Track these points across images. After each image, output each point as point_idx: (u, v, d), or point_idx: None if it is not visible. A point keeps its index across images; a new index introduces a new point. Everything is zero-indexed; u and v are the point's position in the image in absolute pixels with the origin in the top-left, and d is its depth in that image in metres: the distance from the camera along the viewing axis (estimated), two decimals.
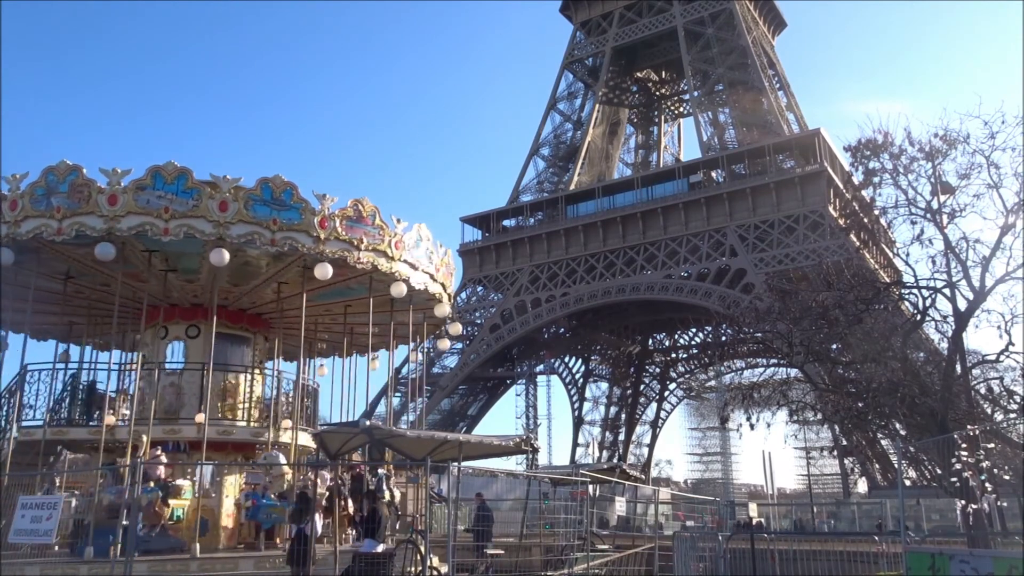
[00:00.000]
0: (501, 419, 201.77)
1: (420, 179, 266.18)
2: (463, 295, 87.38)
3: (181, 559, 14.01)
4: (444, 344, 23.72)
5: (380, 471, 16.82)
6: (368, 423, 14.55)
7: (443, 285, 18.58)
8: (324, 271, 15.10)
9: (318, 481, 15.62)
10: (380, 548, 13.69)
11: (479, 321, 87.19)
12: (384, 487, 16.34)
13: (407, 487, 19.07)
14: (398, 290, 16.59)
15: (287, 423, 17.46)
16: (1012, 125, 16.44)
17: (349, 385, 20.97)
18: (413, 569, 13.60)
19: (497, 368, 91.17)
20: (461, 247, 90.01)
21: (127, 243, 14.61)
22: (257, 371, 18.80)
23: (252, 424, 17.79)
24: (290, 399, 18.30)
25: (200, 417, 15.99)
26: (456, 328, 21.20)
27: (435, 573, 13.60)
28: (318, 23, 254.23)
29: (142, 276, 16.22)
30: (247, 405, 17.95)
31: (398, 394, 60.57)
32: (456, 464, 14.85)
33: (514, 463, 64.90)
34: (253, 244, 14.55)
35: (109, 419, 16.00)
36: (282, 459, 16.72)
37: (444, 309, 18.88)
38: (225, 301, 17.97)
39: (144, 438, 14.82)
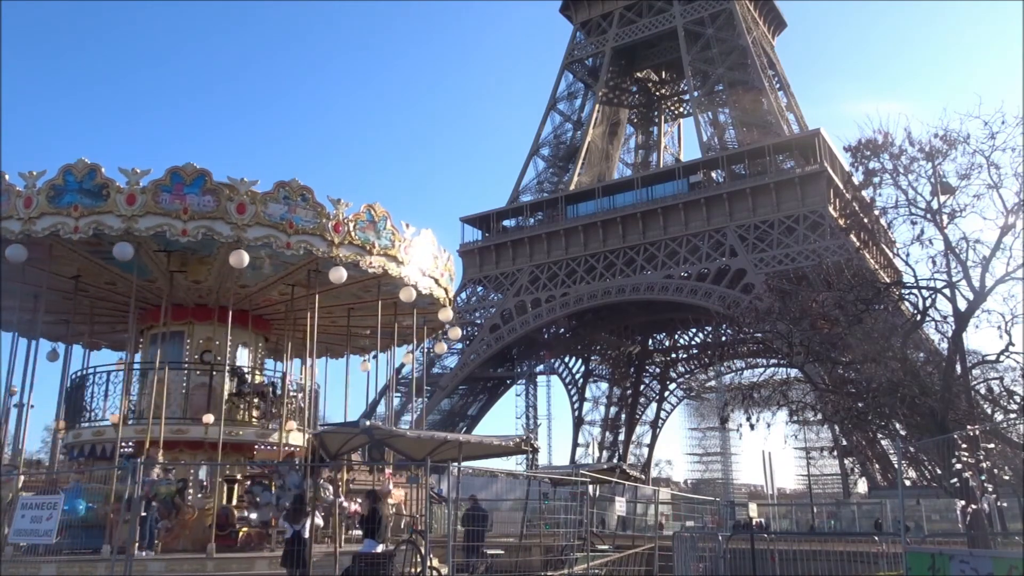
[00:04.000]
0: (501, 419, 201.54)
1: (420, 179, 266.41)
2: (463, 295, 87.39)
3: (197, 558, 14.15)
4: (441, 348, 23.24)
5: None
6: (368, 423, 14.54)
7: (410, 265, 17.07)
8: (240, 259, 14.57)
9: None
10: (380, 548, 13.69)
11: (479, 321, 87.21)
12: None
13: (407, 487, 19.07)
14: (337, 275, 15.55)
15: (291, 425, 17.42)
16: (1012, 125, 16.46)
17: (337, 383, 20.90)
18: (413, 569, 13.61)
19: (497, 368, 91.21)
20: (461, 247, 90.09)
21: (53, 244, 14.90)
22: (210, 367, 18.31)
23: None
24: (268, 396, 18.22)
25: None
26: (446, 313, 19.74)
27: (435, 573, 13.59)
28: (318, 23, 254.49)
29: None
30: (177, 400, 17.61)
31: (398, 394, 60.53)
32: (456, 464, 14.85)
33: (514, 463, 65.01)
34: (163, 236, 14.39)
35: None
36: None
37: (410, 293, 17.15)
38: (199, 299, 18.16)
39: None
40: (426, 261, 17.75)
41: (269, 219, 14.70)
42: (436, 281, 18.25)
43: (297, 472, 15.00)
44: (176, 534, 15.01)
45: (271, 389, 18.25)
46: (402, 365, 23.54)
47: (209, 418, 16.60)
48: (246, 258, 14.60)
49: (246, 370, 18.58)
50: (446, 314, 19.82)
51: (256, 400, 17.97)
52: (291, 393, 18.95)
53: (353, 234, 15.60)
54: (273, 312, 19.69)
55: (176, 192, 14.36)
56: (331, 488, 15.71)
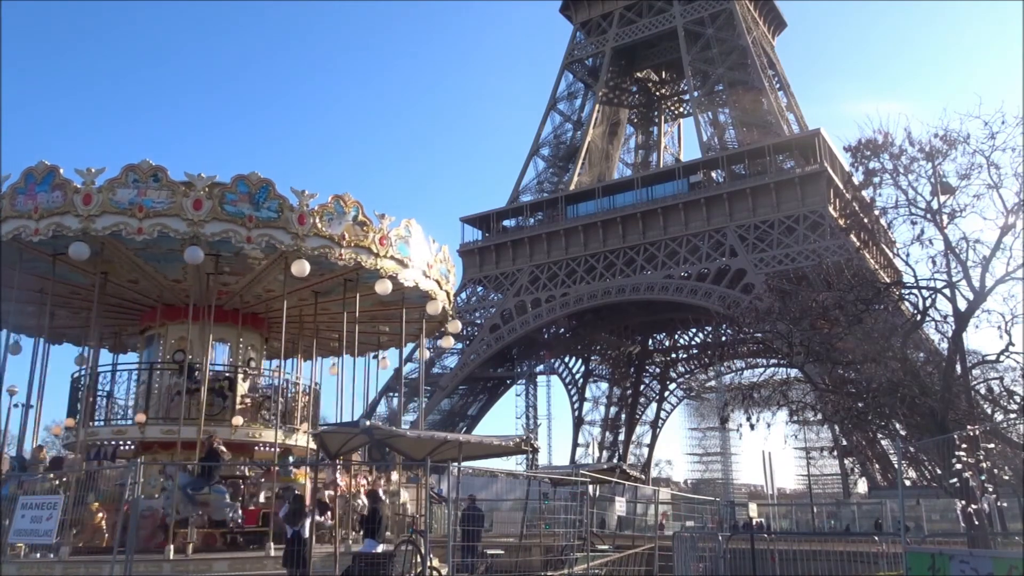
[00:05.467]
0: (501, 419, 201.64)
1: (420, 180, 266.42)
2: (463, 295, 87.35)
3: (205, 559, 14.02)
4: (449, 341, 22.92)
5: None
6: (368, 423, 14.53)
7: (311, 238, 15.24)
8: (79, 251, 14.32)
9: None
10: (380, 548, 13.69)
11: (479, 321, 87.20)
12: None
13: (407, 487, 19.03)
14: (193, 256, 14.46)
15: (305, 426, 17.25)
16: (1012, 125, 16.47)
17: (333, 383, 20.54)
18: (413, 570, 13.61)
19: (497, 368, 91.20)
20: (461, 247, 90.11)
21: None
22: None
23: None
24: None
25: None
26: (435, 307, 18.77)
27: (435, 573, 13.59)
28: (317, 23, 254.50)
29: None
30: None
31: (397, 394, 60.49)
32: (456, 464, 14.85)
33: (514, 463, 65.06)
34: (20, 238, 14.45)
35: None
36: None
37: (303, 267, 15.51)
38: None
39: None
40: (331, 226, 15.86)
41: (116, 206, 14.17)
42: (361, 245, 16.17)
43: (187, 473, 14.67)
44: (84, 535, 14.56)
45: (226, 385, 17.61)
46: (402, 365, 23.36)
47: (141, 417, 16.51)
48: (85, 250, 14.33)
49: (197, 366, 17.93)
50: (435, 307, 18.45)
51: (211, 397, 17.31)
52: (258, 390, 18.49)
53: (220, 208, 14.42)
54: (248, 307, 19.29)
55: (29, 192, 14.37)
56: (226, 493, 15.23)
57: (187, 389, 16.98)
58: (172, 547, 13.75)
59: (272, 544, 14.42)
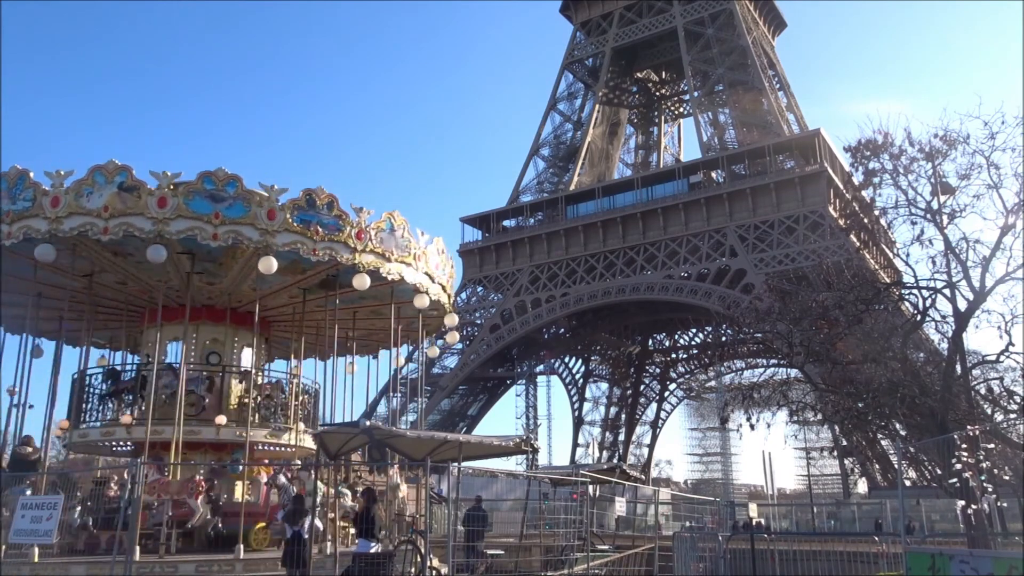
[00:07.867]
0: (501, 419, 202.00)
1: (420, 179, 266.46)
2: (463, 295, 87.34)
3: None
4: (433, 352, 23.37)
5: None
6: (368, 423, 14.51)
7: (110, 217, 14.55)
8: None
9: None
10: (374, 548, 13.66)
11: (479, 321, 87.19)
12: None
13: (408, 487, 19.01)
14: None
15: (221, 419, 17.00)
16: (1012, 125, 16.47)
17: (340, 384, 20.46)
18: (413, 569, 13.60)
19: (497, 368, 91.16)
20: (461, 247, 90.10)
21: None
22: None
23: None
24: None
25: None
26: (453, 319, 19.65)
27: (435, 573, 13.58)
28: (318, 23, 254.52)
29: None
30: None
31: (398, 394, 60.43)
32: (456, 464, 14.84)
33: (514, 463, 65.07)
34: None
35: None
36: None
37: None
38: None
39: None
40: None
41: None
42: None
43: None
44: None
45: (140, 384, 17.37)
46: (402, 366, 23.29)
47: (64, 423, 16.89)
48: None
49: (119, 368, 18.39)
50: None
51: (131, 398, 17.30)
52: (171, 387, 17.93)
53: (14, 209, 14.73)
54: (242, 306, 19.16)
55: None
56: (24, 492, 14.43)
57: (108, 392, 17.33)
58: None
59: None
